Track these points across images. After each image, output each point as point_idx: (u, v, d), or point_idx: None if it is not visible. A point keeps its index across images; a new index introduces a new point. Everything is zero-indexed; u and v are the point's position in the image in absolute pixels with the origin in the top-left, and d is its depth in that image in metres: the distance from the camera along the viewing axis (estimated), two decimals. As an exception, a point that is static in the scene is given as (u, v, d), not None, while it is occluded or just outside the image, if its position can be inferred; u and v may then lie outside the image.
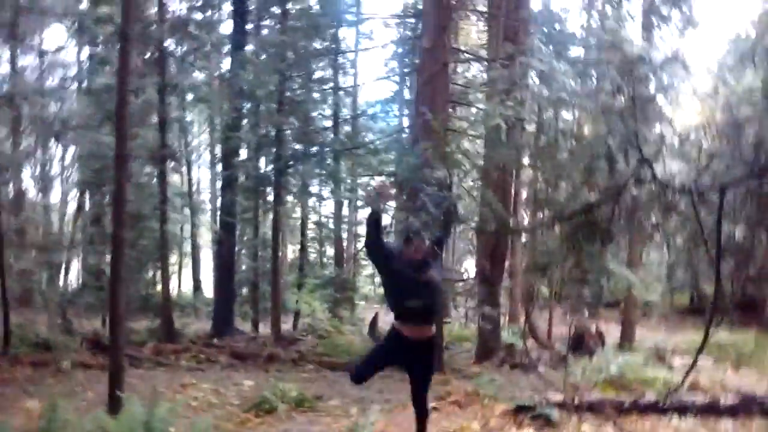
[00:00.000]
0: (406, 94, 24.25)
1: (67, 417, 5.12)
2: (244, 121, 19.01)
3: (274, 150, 16.74)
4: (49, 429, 4.82)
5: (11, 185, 22.36)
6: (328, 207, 29.60)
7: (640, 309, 24.99)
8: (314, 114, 18.52)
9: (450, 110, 13.65)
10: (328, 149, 16.10)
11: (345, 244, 27.47)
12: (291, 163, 15.04)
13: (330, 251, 28.89)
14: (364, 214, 26.97)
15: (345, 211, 28.50)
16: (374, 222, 5.04)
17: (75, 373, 10.39)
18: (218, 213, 22.38)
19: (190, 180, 30.96)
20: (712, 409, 6.67)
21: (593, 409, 6.92)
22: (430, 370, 5.59)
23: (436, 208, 5.28)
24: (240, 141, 18.42)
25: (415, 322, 5.05)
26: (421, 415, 5.66)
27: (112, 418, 4.42)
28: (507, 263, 20.79)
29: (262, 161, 19.66)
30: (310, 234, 31.34)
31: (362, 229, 23.36)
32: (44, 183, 26.18)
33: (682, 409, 6.78)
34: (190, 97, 21.90)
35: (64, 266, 23.82)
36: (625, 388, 8.23)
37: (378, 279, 17.48)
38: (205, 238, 34.10)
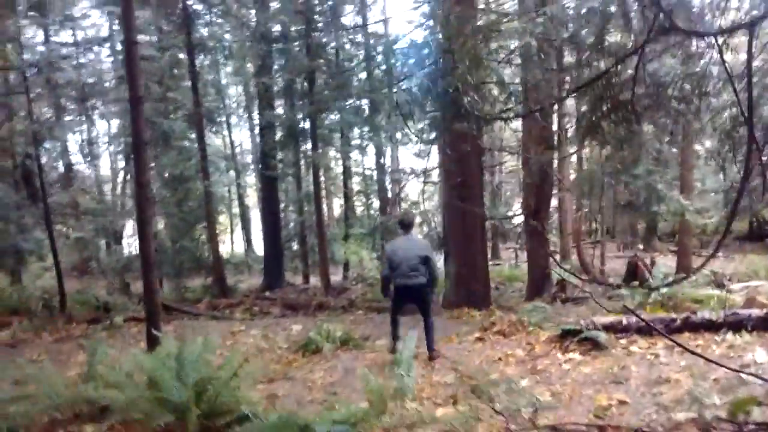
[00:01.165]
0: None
1: (108, 356, 5.24)
2: (275, 66, 18.80)
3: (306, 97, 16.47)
4: (92, 365, 4.95)
5: (60, 160, 23.07)
6: (371, 158, 29.59)
7: (696, 237, 24.28)
8: (344, 58, 18.01)
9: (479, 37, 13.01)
10: (358, 93, 15.63)
11: (389, 193, 27.29)
12: (323, 108, 14.67)
13: (376, 202, 28.84)
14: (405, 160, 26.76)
15: (387, 160, 28.38)
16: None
17: (127, 328, 10.70)
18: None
19: (232, 142, 31.20)
20: (768, 322, 6.34)
21: (642, 329, 6.68)
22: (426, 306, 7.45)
23: None
24: (271, 89, 18.20)
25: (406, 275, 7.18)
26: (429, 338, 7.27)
27: (148, 355, 4.47)
28: (556, 199, 20.43)
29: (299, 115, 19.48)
30: (356, 187, 31.42)
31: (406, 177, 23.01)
32: (92, 154, 26.92)
33: (737, 325, 6.46)
34: (221, 59, 22.02)
35: (117, 233, 24.57)
36: (677, 308, 7.93)
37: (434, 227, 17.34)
38: (254, 198, 34.64)
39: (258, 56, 18.09)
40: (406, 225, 7.69)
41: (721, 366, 4.59)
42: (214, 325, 11.20)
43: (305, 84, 16.85)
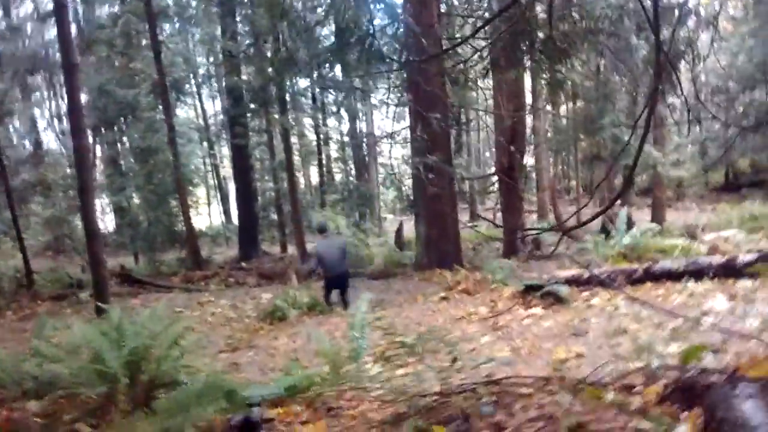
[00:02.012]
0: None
1: (57, 331, 5.12)
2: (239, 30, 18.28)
3: (269, 56, 15.94)
4: (39, 340, 4.84)
5: (28, 138, 22.56)
6: (347, 125, 29.29)
7: (672, 190, 24.44)
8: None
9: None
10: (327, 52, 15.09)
11: (366, 158, 27.07)
12: (288, 70, 14.21)
13: (354, 168, 28.64)
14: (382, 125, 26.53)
15: (364, 126, 28.07)
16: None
17: (92, 303, 10.51)
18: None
19: (204, 112, 30.70)
20: (729, 269, 6.30)
21: (604, 282, 6.66)
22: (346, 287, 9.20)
23: None
24: (237, 54, 17.69)
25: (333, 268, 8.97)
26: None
27: (90, 326, 4.33)
28: (530, 156, 20.36)
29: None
30: (334, 154, 31.15)
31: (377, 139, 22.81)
32: (62, 131, 26.36)
33: (698, 273, 6.44)
34: (187, 26, 21.47)
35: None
36: (640, 259, 7.91)
37: (404, 192, 17.22)
38: (230, 170, 34.24)
39: (221, 20, 17.57)
40: (321, 230, 9.94)
41: (678, 315, 4.56)
42: (184, 297, 11.08)
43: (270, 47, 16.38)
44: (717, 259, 6.55)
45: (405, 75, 13.23)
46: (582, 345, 5.30)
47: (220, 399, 2.63)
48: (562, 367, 4.83)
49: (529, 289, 6.81)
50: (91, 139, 25.54)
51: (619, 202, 25.29)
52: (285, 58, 13.11)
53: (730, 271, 6.30)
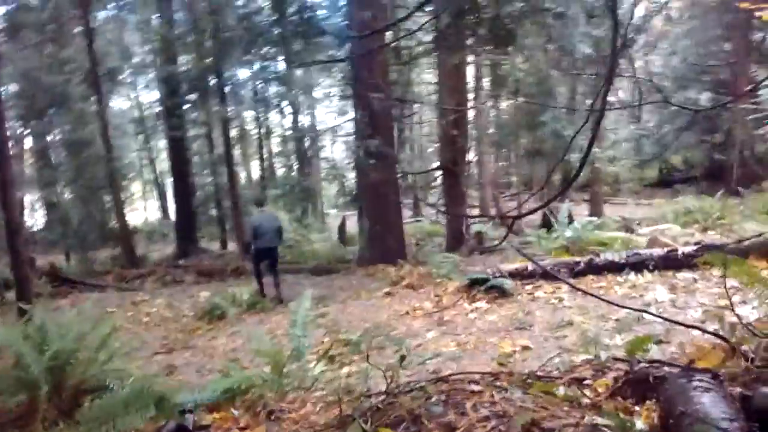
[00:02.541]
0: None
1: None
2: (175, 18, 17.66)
3: (210, 41, 15.36)
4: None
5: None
6: (289, 119, 28.87)
7: (609, 186, 25.09)
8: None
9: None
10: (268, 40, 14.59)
11: (309, 153, 26.70)
12: (227, 58, 13.69)
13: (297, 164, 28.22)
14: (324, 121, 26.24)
15: (306, 121, 27.70)
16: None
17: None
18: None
19: (140, 105, 29.65)
20: (669, 261, 6.42)
21: (547, 274, 6.66)
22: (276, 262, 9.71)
23: None
24: (173, 42, 17.05)
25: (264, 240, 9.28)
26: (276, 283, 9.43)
27: (11, 328, 3.99)
28: (473, 152, 20.49)
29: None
30: (276, 149, 30.61)
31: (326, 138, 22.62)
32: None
33: (639, 265, 6.54)
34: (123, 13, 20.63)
35: (20, 205, 23.02)
36: (582, 252, 8.00)
37: (346, 186, 17.06)
38: (168, 164, 33.20)
39: (157, 4, 16.90)
40: (260, 204, 10.88)
41: (623, 307, 4.56)
42: (117, 297, 10.60)
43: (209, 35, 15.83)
44: (657, 252, 6.66)
45: (348, 64, 13.05)
46: (527, 338, 5.27)
47: (149, 406, 2.41)
48: (508, 361, 4.78)
49: (474, 283, 6.76)
50: (19, 130, 24.35)
51: (558, 199, 25.80)
52: (224, 43, 12.67)
53: (670, 262, 6.41)
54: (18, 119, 22.45)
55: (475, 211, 21.48)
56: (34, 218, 26.15)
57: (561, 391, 2.97)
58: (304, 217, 21.00)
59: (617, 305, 4.58)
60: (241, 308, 7.96)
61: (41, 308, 4.45)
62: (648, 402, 2.64)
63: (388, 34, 12.55)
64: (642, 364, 2.99)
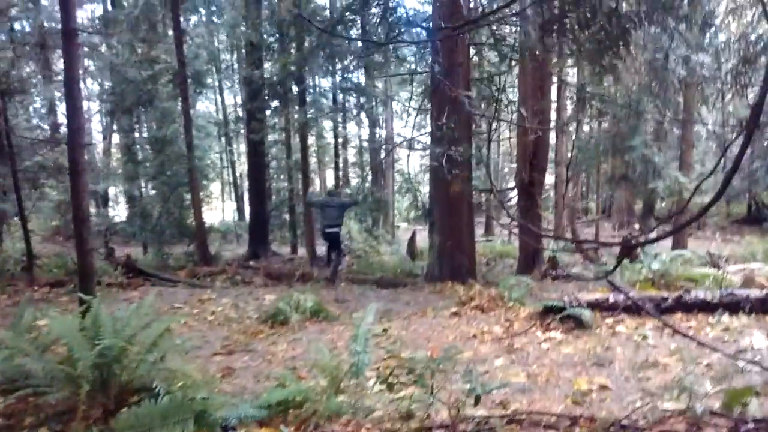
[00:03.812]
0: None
1: (36, 320, 4.77)
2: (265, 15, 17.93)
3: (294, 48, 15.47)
4: (17, 325, 4.48)
5: (47, 119, 22.35)
6: (366, 132, 29.01)
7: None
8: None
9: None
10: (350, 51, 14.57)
11: (384, 164, 26.68)
12: (309, 63, 13.74)
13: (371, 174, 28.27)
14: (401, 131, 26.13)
15: (383, 133, 27.72)
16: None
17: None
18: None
19: (224, 107, 30.45)
20: (768, 304, 5.82)
21: (630, 308, 6.17)
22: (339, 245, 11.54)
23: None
24: (259, 46, 17.30)
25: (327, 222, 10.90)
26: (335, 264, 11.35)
27: (64, 320, 3.93)
28: (552, 176, 19.84)
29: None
30: (351, 159, 30.80)
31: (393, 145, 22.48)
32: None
33: (734, 306, 5.94)
34: (213, 18, 21.26)
35: (103, 196, 24.00)
36: (669, 287, 7.41)
37: (419, 200, 16.93)
38: (246, 167, 33.97)
39: (245, 9, 17.23)
40: (332, 194, 12.31)
41: (716, 350, 4.06)
42: (185, 293, 10.69)
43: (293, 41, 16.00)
44: (755, 293, 6.04)
45: (430, 64, 12.73)
46: (606, 376, 4.82)
47: (188, 420, 2.20)
48: (584, 399, 4.36)
49: (549, 311, 6.33)
50: (107, 125, 25.44)
51: (637, 227, 24.74)
52: (308, 52, 12.70)
53: (769, 305, 5.81)
54: (108, 114, 23.52)
55: (549, 234, 20.80)
56: (117, 210, 27.19)
57: (652, 447, 2.60)
58: (374, 228, 20.92)
59: (713, 348, 4.09)
60: (304, 315, 7.80)
61: (101, 300, 4.35)
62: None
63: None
64: (750, 425, 2.56)
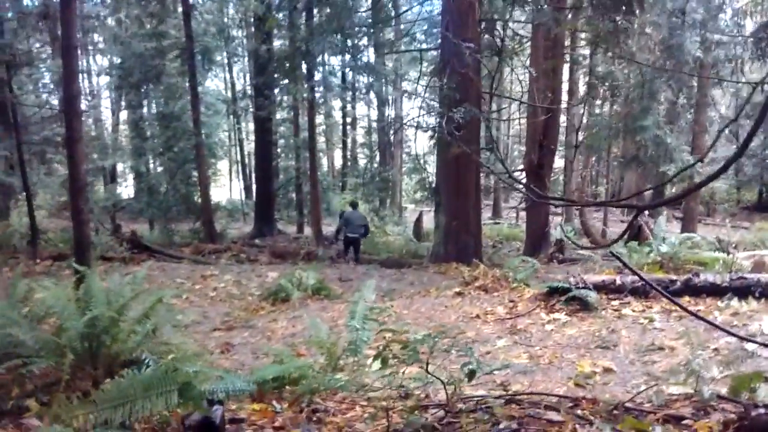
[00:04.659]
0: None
1: (32, 291, 4.71)
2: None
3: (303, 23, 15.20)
4: (12, 297, 4.42)
5: (55, 94, 22.25)
6: (375, 113, 28.79)
7: (702, 204, 23.52)
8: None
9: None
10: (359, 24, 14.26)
11: (392, 144, 26.48)
12: (318, 37, 13.48)
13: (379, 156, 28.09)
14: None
15: (392, 113, 27.48)
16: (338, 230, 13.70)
17: (95, 266, 10.14)
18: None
19: (233, 84, 30.25)
20: (781, 289, 5.66)
21: (637, 291, 6.04)
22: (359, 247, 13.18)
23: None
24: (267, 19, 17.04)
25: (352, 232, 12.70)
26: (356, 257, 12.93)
27: (55, 291, 3.85)
28: (561, 159, 19.60)
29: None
30: (360, 139, 30.61)
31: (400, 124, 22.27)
32: (90, 91, 26.12)
33: (744, 290, 5.80)
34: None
35: (111, 172, 23.97)
36: (677, 271, 7.26)
37: (426, 180, 16.81)
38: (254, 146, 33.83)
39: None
40: (354, 205, 13.80)
41: (730, 333, 3.92)
42: (189, 269, 10.65)
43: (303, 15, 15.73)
44: (766, 278, 5.89)
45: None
46: (610, 359, 4.71)
47: (171, 392, 2.11)
48: (587, 382, 4.26)
49: (553, 292, 6.21)
50: (115, 100, 25.31)
51: (646, 212, 24.52)
52: (316, 28, 12.46)
53: (782, 291, 5.66)
54: (116, 90, 23.38)
55: (558, 219, 20.60)
56: (124, 187, 27.18)
57: (657, 430, 2.48)
58: (381, 208, 20.81)
59: (725, 330, 3.95)
60: (305, 293, 7.73)
61: (95, 271, 4.27)
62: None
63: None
64: (761, 410, 2.45)
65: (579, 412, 2.56)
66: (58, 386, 2.96)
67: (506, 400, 2.57)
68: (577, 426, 2.23)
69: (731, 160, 2.36)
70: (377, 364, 4.30)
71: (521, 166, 23.98)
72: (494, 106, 18.86)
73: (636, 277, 6.11)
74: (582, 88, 16.38)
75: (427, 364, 2.73)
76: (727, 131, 28.33)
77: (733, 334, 3.80)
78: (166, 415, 2.30)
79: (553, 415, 2.34)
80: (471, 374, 2.61)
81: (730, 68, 11.71)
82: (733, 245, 13.78)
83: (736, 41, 10.73)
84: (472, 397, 2.82)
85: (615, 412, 2.69)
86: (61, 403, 2.51)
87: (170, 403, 2.12)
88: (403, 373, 3.78)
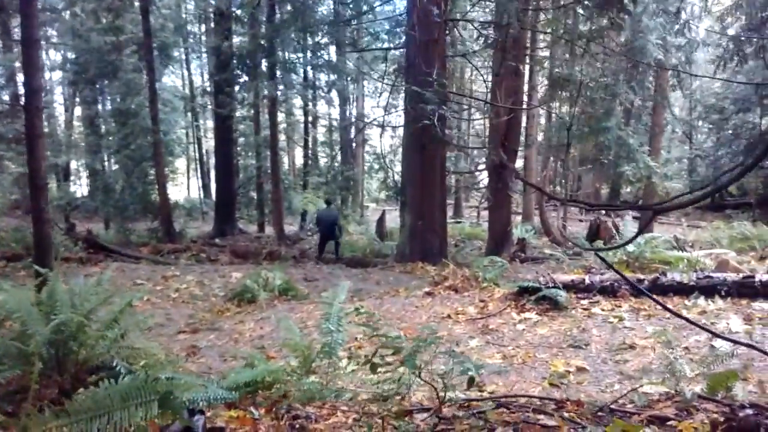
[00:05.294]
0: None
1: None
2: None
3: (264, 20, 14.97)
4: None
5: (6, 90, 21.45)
6: (337, 111, 28.57)
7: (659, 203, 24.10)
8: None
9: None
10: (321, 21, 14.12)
11: (354, 143, 26.34)
12: (280, 35, 13.28)
13: (341, 155, 27.90)
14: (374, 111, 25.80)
15: (354, 111, 27.32)
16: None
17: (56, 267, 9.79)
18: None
19: (191, 82, 29.67)
20: (745, 287, 5.78)
21: (606, 290, 6.10)
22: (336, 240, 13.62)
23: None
24: (228, 16, 16.74)
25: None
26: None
27: (16, 295, 3.64)
28: (521, 160, 19.80)
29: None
30: (321, 138, 30.32)
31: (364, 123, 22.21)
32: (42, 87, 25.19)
33: (710, 289, 5.91)
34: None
35: (65, 170, 23.27)
36: (643, 270, 7.38)
37: (389, 182, 16.83)
38: (213, 143, 33.21)
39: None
40: (328, 203, 14.67)
41: (708, 331, 3.97)
42: (149, 270, 10.36)
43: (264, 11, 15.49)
44: (732, 277, 6.01)
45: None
46: (583, 359, 4.74)
47: (151, 402, 1.99)
48: (561, 382, 4.27)
49: (523, 292, 6.23)
50: (69, 96, 24.54)
51: (603, 211, 25.01)
52: (278, 24, 12.28)
53: (745, 290, 5.78)
54: (70, 85, 22.67)
55: (518, 218, 20.81)
56: (78, 185, 26.43)
57: (646, 432, 2.46)
58: (343, 207, 20.66)
59: (709, 331, 4.00)
60: (272, 293, 7.59)
61: (58, 274, 4.07)
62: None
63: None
64: (748, 411, 2.45)
65: (565, 414, 2.53)
66: (24, 395, 2.79)
67: (496, 404, 2.52)
68: (571, 430, 2.19)
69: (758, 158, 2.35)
70: (353, 365, 4.23)
71: (482, 166, 24.16)
72: (456, 107, 18.91)
73: (604, 277, 6.18)
74: (541, 90, 16.58)
75: (420, 369, 2.66)
76: (680, 132, 29.17)
77: (712, 332, 3.84)
78: (144, 426, 2.17)
79: (546, 420, 2.30)
80: (471, 381, 2.54)
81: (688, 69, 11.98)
82: (690, 244, 14.14)
83: (693, 45, 10.99)
84: (457, 401, 2.77)
85: (600, 414, 2.68)
86: (31, 414, 2.35)
87: (150, 413, 2.00)
88: (384, 377, 3.72)
